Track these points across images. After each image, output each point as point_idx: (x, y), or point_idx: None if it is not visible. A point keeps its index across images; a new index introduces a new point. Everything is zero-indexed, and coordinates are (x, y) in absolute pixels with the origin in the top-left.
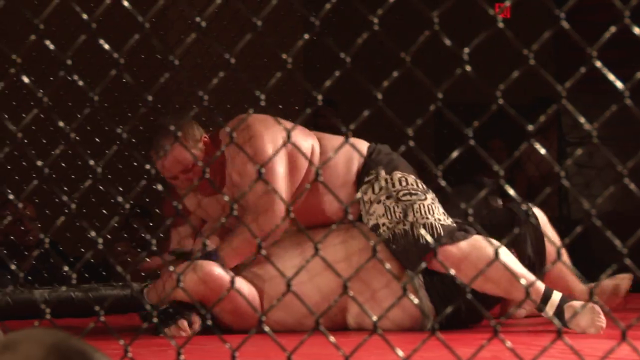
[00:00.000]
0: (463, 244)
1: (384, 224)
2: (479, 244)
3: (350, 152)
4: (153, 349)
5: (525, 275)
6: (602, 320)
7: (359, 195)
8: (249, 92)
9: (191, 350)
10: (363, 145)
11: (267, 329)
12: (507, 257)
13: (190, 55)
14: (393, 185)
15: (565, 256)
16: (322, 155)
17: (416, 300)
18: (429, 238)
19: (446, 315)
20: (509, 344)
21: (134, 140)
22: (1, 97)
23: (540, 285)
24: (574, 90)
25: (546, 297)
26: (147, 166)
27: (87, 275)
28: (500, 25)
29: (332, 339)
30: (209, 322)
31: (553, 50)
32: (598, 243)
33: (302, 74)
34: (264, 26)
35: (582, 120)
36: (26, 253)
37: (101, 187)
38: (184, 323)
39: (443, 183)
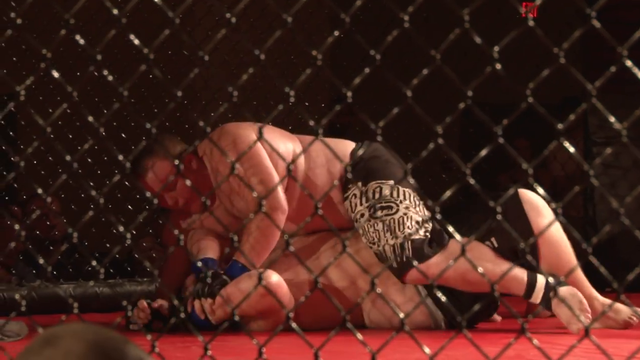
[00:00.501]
0: (433, 261)
1: (367, 243)
2: (451, 252)
3: (332, 155)
4: (177, 345)
5: (504, 269)
6: (585, 319)
7: (347, 204)
8: (276, 89)
9: (216, 347)
10: (348, 147)
11: (294, 325)
12: (483, 254)
13: (218, 51)
14: (367, 200)
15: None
16: (307, 158)
17: (444, 298)
18: (399, 260)
19: (454, 313)
20: (536, 342)
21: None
22: (28, 91)
23: (522, 276)
24: (601, 90)
25: (530, 285)
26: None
27: (111, 270)
28: (531, 23)
29: (359, 336)
30: (236, 318)
31: (580, 49)
32: (624, 244)
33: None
34: (293, 23)
35: (612, 119)
36: (51, 248)
37: (127, 183)
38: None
39: (472, 181)
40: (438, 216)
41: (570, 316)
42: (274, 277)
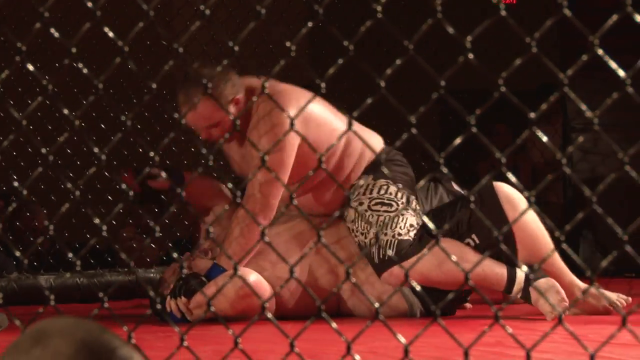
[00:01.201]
0: (412, 260)
1: (352, 230)
2: (433, 252)
3: (361, 146)
4: (158, 334)
5: (484, 266)
6: (562, 309)
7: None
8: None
9: (196, 337)
10: (378, 143)
11: (270, 315)
12: (462, 252)
13: (197, 42)
14: (370, 192)
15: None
16: (346, 142)
17: (418, 287)
18: (380, 257)
19: (429, 302)
20: (509, 329)
21: (139, 126)
22: (6, 84)
23: (502, 272)
24: (580, 76)
25: (510, 280)
26: (152, 153)
27: (92, 261)
28: (503, 13)
29: (334, 325)
30: (212, 309)
31: (557, 37)
32: (604, 230)
33: (308, 61)
34: (270, 14)
35: (583, 107)
36: (32, 239)
37: (107, 174)
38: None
39: (445, 170)
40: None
41: (548, 306)
42: (252, 277)
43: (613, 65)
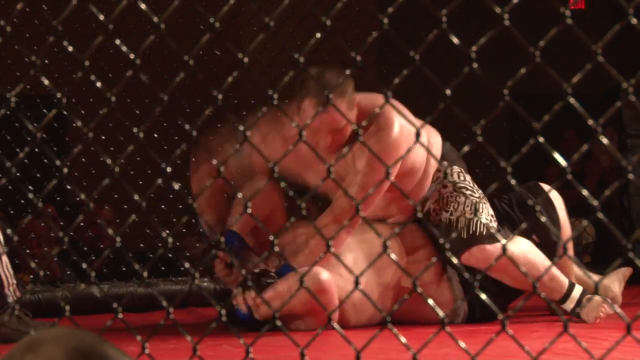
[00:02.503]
0: (498, 245)
1: (434, 210)
2: (516, 244)
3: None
4: (170, 343)
5: (551, 272)
6: (603, 311)
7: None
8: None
9: (207, 348)
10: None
11: (336, 325)
12: (538, 256)
13: (266, 51)
14: (452, 177)
15: (570, 250)
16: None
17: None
18: (470, 234)
19: (474, 308)
20: (510, 331)
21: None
22: (79, 95)
23: (564, 282)
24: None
25: (568, 292)
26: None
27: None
28: (569, 21)
29: (339, 331)
30: (278, 323)
31: (615, 41)
32: None
33: (374, 70)
34: (338, 24)
35: None
36: (101, 246)
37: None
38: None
39: (513, 182)
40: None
41: (588, 315)
42: (324, 275)
43: None
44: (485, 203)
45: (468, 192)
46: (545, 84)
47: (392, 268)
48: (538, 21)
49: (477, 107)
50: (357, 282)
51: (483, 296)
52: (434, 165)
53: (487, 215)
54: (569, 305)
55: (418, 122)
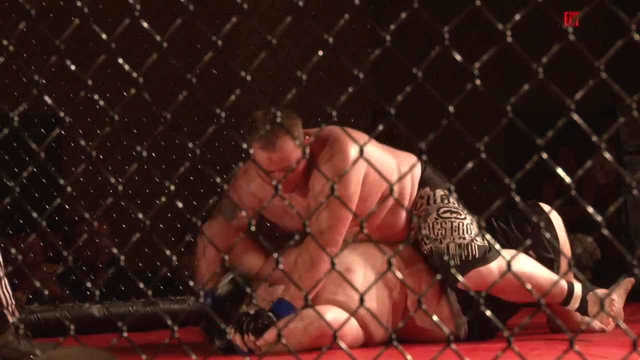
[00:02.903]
0: (494, 264)
1: (421, 239)
2: (514, 263)
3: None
4: None
5: (549, 278)
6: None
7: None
8: (320, 107)
9: None
10: (414, 161)
11: (342, 344)
12: (531, 264)
13: (263, 70)
14: (435, 202)
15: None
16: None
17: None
18: (464, 259)
19: (473, 326)
20: (516, 349)
21: (208, 155)
22: (75, 114)
23: (563, 284)
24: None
25: (570, 292)
26: (218, 179)
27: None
28: (571, 37)
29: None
30: (284, 341)
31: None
32: None
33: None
34: (335, 42)
35: None
36: (100, 266)
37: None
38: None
39: (517, 198)
40: (483, 226)
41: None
42: (330, 314)
43: None
44: (472, 223)
45: (453, 216)
46: (538, 101)
47: (398, 285)
48: (530, 36)
49: (469, 123)
50: (362, 300)
51: (488, 313)
52: (410, 189)
53: (476, 235)
54: (574, 304)
55: (376, 146)
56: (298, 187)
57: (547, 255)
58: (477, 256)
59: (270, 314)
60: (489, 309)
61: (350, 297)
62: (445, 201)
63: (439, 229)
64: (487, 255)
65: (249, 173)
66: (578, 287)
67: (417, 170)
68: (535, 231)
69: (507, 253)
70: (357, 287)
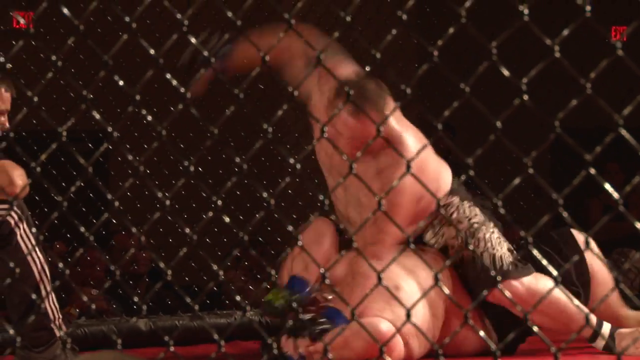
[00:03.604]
0: (526, 279)
1: (452, 247)
2: (540, 281)
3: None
4: None
5: (580, 309)
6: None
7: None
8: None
9: None
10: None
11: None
12: (562, 291)
13: None
14: (464, 212)
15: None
16: None
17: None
18: (498, 269)
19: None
20: None
21: (255, 170)
22: (122, 129)
23: (593, 318)
24: None
25: (598, 329)
26: (264, 194)
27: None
28: (620, 52)
29: None
30: (330, 356)
31: None
32: None
33: (419, 101)
34: (382, 57)
35: None
36: (131, 282)
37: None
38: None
39: (565, 214)
40: (531, 243)
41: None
42: (384, 325)
43: None
44: (501, 237)
45: (484, 227)
46: (585, 116)
47: (441, 299)
48: (577, 51)
49: (515, 137)
50: (408, 315)
51: (535, 329)
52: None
53: (505, 249)
54: (600, 343)
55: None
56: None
57: (572, 288)
58: (510, 268)
59: (325, 320)
60: (510, 325)
61: (397, 316)
62: (474, 212)
63: (472, 238)
64: (519, 269)
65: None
66: (607, 327)
67: (449, 178)
68: (564, 262)
69: (539, 275)
70: (406, 304)
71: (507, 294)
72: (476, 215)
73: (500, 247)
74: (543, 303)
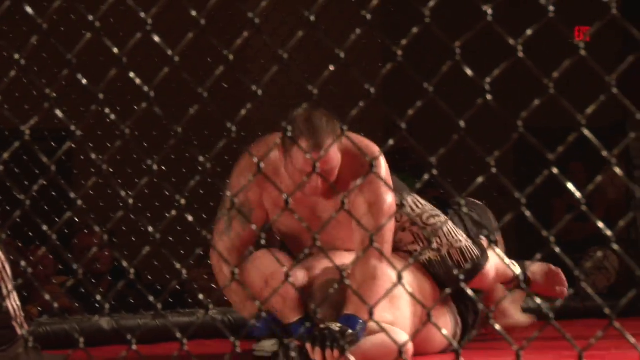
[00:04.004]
0: (491, 262)
1: (415, 251)
2: (492, 256)
3: None
4: None
5: (508, 265)
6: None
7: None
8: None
9: None
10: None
11: None
12: (495, 254)
13: (274, 84)
14: (412, 209)
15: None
16: None
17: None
18: (469, 262)
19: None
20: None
21: (219, 169)
22: (86, 127)
23: (517, 269)
24: None
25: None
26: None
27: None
28: (583, 52)
29: None
30: None
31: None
32: None
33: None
34: (347, 56)
35: None
36: (93, 281)
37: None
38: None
39: (528, 213)
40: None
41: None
42: (404, 337)
43: None
44: (448, 222)
45: (438, 220)
46: (547, 116)
47: (425, 298)
48: (541, 51)
49: (478, 137)
50: (429, 316)
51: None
52: None
53: (462, 236)
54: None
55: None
56: (324, 191)
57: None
58: (477, 258)
59: (351, 331)
60: (476, 313)
61: (396, 317)
62: (419, 205)
63: (434, 238)
64: (484, 254)
65: (276, 171)
66: (518, 269)
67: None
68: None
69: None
70: (405, 304)
71: (484, 280)
72: (423, 206)
73: (460, 236)
74: (499, 272)
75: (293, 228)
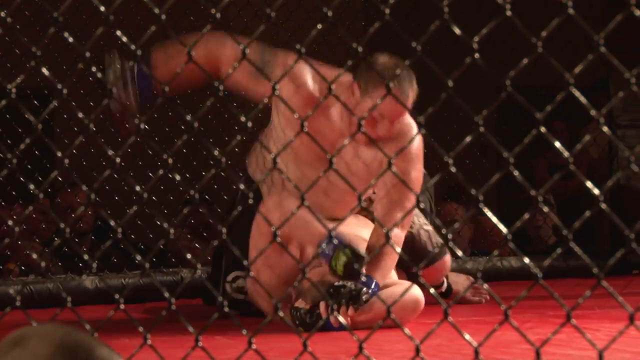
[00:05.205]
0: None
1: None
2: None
3: None
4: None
5: None
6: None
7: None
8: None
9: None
10: None
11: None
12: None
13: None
14: None
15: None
16: None
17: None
18: (433, 247)
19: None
20: (515, 323)
21: (202, 128)
22: (70, 87)
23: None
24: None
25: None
26: (215, 152)
27: (137, 261)
28: (571, 11)
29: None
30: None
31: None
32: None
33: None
34: (333, 15)
35: None
36: (77, 240)
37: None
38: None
39: (516, 173)
40: (481, 205)
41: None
42: (418, 291)
43: None
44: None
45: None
46: (531, 75)
47: None
48: (526, 10)
49: (463, 97)
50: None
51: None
52: None
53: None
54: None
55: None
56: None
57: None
58: (442, 245)
59: (366, 289)
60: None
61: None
62: None
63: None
64: (444, 246)
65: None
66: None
67: None
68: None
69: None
70: None
71: (437, 272)
72: None
73: (425, 221)
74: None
75: (307, 171)
